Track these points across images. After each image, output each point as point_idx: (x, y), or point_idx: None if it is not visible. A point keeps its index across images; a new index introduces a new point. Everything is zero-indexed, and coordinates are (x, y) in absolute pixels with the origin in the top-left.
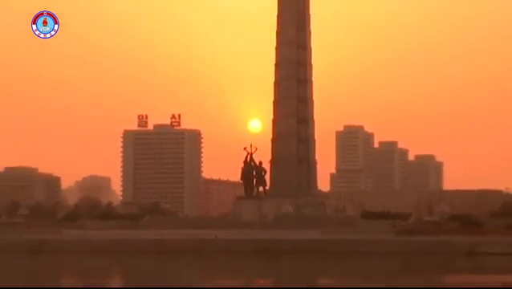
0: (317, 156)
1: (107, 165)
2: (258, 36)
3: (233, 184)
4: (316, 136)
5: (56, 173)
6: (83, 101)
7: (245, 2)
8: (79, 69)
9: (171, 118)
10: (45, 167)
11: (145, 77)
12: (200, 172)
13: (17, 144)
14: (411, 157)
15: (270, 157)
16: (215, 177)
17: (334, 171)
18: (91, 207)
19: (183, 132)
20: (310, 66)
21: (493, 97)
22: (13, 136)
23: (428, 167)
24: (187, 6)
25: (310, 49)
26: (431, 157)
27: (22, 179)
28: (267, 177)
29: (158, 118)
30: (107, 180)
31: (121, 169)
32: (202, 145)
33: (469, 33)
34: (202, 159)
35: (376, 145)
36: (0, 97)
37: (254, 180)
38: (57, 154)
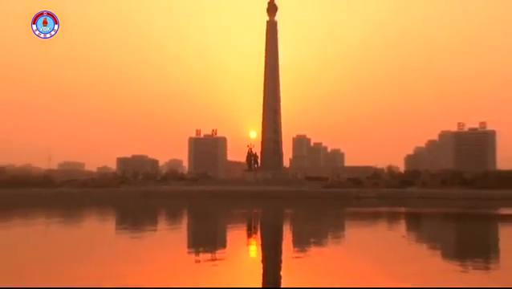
0: (283, 150)
1: (181, 154)
2: (254, 91)
3: (243, 163)
4: (283, 140)
5: (156, 158)
6: (171, 121)
7: (247, 72)
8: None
9: (212, 131)
10: (151, 154)
11: (201, 112)
12: (226, 157)
13: (137, 141)
14: (329, 150)
15: (260, 150)
16: (234, 160)
17: (291, 157)
18: (173, 174)
19: (218, 138)
20: (280, 106)
21: (385, 119)
22: (135, 137)
23: (337, 155)
24: (209, 68)
25: (280, 98)
26: (338, 150)
27: (139, 162)
28: (259, 160)
29: (206, 131)
30: (181, 161)
31: (187, 156)
32: (227, 145)
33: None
34: (227, 151)
35: (312, 145)
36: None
37: (253, 161)
38: (158, 148)
